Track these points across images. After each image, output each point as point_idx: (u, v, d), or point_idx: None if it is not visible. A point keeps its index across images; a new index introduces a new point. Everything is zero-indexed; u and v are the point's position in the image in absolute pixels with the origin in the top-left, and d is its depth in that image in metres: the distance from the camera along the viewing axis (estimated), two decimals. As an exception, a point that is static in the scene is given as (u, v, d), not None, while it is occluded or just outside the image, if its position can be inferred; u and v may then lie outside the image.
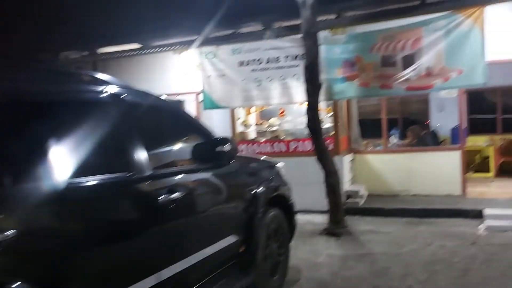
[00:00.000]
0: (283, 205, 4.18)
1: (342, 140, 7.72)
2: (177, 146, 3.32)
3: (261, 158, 4.53)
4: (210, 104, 7.78)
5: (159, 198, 2.60)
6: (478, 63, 6.07)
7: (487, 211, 6.22)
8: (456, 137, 8.32)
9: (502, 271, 4.28)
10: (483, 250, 4.96)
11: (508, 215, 6.02)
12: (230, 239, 3.37)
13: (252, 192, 3.69)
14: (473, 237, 5.52)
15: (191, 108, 9.10)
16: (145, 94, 2.98)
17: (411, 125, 9.54)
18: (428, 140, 8.37)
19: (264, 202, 3.79)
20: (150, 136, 2.80)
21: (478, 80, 6.14)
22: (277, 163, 4.46)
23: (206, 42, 7.52)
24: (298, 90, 6.86)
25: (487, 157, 9.47)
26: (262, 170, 4.12)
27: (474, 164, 9.51)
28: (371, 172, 8.05)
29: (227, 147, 3.22)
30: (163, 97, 3.30)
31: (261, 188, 3.81)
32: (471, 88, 8.56)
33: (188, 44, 7.68)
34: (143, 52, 8.23)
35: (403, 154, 7.96)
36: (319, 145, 6.16)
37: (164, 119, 3.15)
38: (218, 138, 3.29)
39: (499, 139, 9.71)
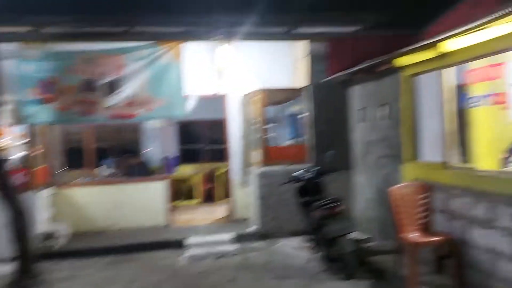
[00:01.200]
0: None
1: (39, 171, 6.65)
2: None
3: None
4: None
5: None
6: (178, 95, 6.26)
7: (189, 241, 6.38)
8: (165, 166, 8.46)
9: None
10: (184, 282, 4.96)
11: (206, 242, 6.31)
12: None
13: None
14: (174, 269, 5.48)
15: None
16: None
17: (125, 154, 9.27)
18: (135, 170, 8.19)
19: None
20: None
21: (179, 112, 6.33)
22: None
23: None
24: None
25: (195, 185, 10.08)
26: None
27: (183, 192, 9.95)
28: (76, 207, 7.22)
29: None
30: None
31: None
32: (183, 119, 9.00)
33: None
34: None
35: (111, 186, 7.49)
36: (1, 179, 5.03)
37: None
38: None
39: (205, 167, 10.49)
